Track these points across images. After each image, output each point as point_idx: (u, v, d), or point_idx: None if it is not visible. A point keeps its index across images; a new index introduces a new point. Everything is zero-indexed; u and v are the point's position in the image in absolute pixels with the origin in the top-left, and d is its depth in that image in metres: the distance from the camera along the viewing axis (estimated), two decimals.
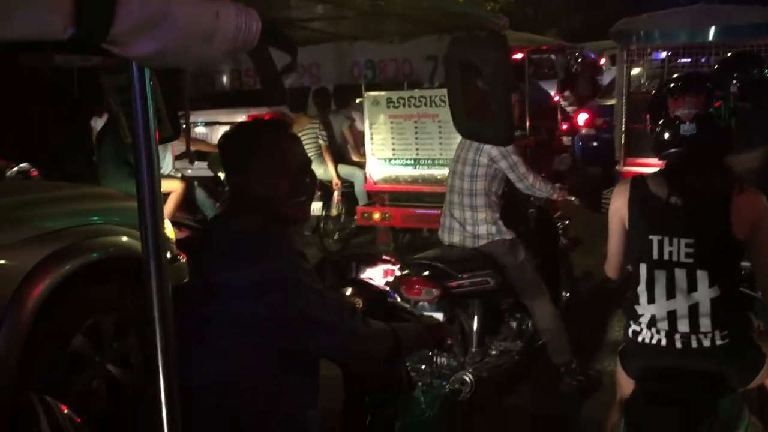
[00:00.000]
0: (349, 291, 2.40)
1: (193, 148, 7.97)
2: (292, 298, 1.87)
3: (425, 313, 3.17)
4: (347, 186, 7.44)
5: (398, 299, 2.58)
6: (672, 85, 2.68)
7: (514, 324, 4.35)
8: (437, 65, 4.17)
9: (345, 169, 7.47)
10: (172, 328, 1.20)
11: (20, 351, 3.24)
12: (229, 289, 1.87)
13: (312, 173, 2.16)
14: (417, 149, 6.64)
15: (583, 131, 9.20)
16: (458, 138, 4.42)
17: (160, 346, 1.19)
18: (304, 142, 7.84)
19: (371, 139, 6.86)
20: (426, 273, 3.89)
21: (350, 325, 1.94)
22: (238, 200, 2.09)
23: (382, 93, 6.83)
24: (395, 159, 6.78)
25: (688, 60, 7.13)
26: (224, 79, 7.97)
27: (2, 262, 3.33)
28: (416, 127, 6.58)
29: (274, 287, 1.86)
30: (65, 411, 1.92)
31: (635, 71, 7.86)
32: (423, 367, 3.59)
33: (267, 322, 1.85)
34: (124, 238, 3.90)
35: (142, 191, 1.15)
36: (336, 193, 7.43)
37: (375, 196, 7.07)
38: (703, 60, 6.96)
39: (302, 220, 2.17)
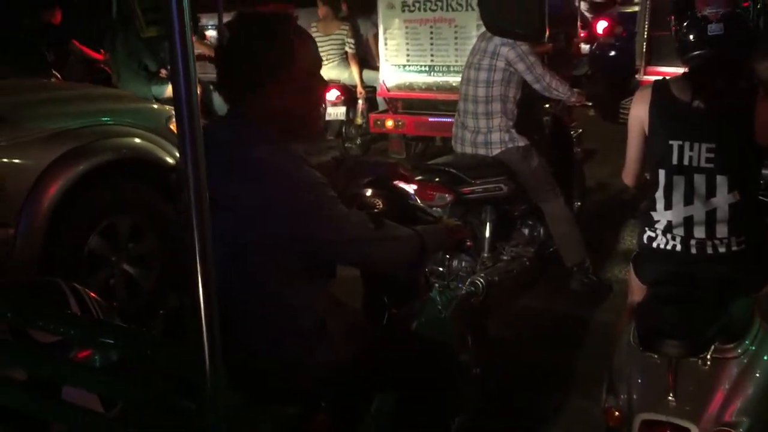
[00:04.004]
0: (369, 192, 2.38)
1: (205, 53, 7.85)
2: (318, 224, 1.82)
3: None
4: (370, 91, 7.32)
5: (418, 201, 2.57)
6: None
7: (525, 231, 4.36)
8: None
9: (369, 75, 7.33)
10: (210, 233, 1.18)
11: (40, 245, 3.30)
12: (251, 211, 1.78)
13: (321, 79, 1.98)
14: (432, 55, 6.49)
15: (602, 40, 8.94)
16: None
17: (198, 252, 1.16)
18: (330, 47, 7.54)
19: (385, 44, 6.70)
20: (438, 178, 3.88)
21: (379, 235, 1.93)
22: (249, 120, 1.87)
23: None
24: (409, 65, 6.64)
25: None
26: None
27: (18, 160, 3.34)
28: (432, 33, 6.41)
29: (301, 213, 1.79)
30: (94, 297, 1.97)
31: None
32: (440, 269, 3.64)
33: (295, 243, 1.81)
34: (137, 140, 3.89)
35: (177, 85, 1.11)
36: (360, 101, 7.33)
37: (388, 103, 6.99)
38: None
39: (319, 134, 2.05)
